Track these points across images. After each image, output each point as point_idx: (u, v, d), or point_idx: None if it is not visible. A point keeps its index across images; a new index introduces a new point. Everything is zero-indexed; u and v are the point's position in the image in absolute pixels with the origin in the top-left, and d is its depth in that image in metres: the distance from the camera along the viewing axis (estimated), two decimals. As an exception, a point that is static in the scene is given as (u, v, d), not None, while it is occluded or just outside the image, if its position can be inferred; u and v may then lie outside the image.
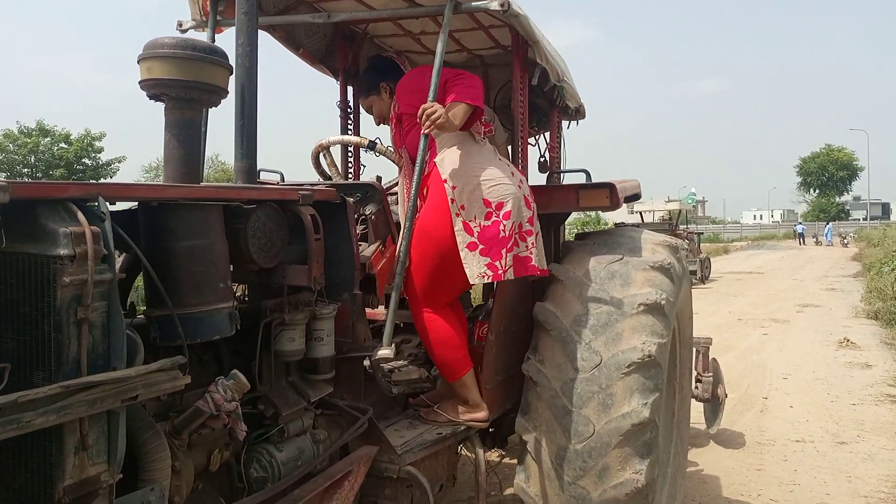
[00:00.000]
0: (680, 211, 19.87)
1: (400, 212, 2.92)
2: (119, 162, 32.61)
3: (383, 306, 2.63)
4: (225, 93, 1.95)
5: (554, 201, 3.12)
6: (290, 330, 2.07)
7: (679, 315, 3.37)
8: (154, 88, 1.85)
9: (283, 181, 3.38)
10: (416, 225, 2.68)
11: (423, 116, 2.47)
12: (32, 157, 30.78)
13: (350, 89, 3.71)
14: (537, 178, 3.72)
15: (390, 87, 2.96)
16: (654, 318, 2.73)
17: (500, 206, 2.65)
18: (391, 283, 2.50)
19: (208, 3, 2.85)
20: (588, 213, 27.16)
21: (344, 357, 2.36)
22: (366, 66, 3.20)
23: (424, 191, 2.76)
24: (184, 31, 2.95)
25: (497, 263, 2.61)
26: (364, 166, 3.77)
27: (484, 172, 2.68)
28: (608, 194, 3.03)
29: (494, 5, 2.61)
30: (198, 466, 1.82)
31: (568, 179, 3.88)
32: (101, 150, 32.19)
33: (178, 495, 1.71)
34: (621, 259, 2.93)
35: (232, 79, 2.08)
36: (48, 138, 31.20)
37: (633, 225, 9.69)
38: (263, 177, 3.49)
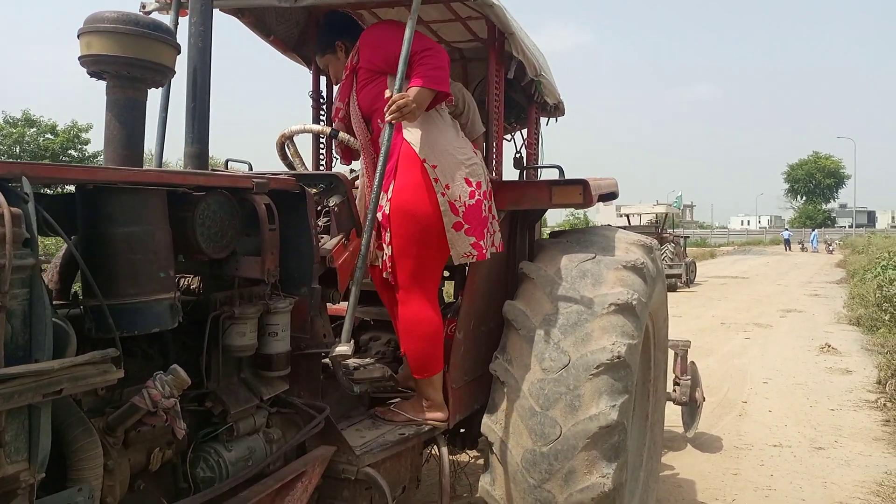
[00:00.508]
0: (666, 214, 19.94)
1: (360, 204, 2.81)
2: (105, 154, 32.21)
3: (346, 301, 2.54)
4: (171, 72, 1.84)
5: (525, 197, 3.05)
6: (240, 324, 1.97)
7: (653, 316, 3.31)
8: (94, 65, 1.74)
9: (252, 171, 3.27)
10: (393, 206, 2.60)
11: (393, 107, 2.40)
12: (17, 147, 30.35)
13: (323, 79, 3.61)
14: (511, 174, 3.65)
15: (346, 45, 2.86)
16: (624, 318, 2.67)
17: (479, 184, 2.66)
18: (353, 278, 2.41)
19: (172, -16, 2.74)
20: (576, 215, 27.19)
21: (301, 353, 2.27)
22: (322, 23, 3.09)
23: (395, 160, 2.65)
24: (147, 14, 2.85)
25: (481, 243, 2.63)
26: (336, 158, 3.67)
27: (459, 151, 2.68)
28: (581, 191, 2.96)
29: (466, -7, 2.53)
30: (136, 465, 1.72)
31: (543, 176, 3.81)
32: (87, 142, 31.81)
33: (110, 496, 1.61)
34: (594, 258, 2.87)
35: (184, 60, 1.99)
36: (34, 129, 30.79)
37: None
38: (232, 166, 3.40)
